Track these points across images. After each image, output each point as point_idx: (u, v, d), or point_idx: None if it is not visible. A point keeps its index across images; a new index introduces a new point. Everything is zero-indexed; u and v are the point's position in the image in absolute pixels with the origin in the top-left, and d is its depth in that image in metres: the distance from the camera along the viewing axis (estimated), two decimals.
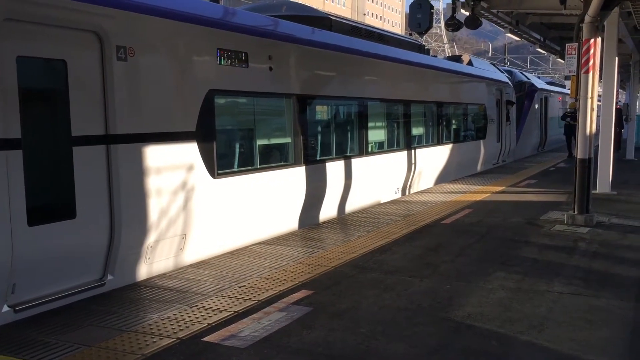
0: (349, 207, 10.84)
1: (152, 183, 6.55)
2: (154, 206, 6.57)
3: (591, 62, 9.23)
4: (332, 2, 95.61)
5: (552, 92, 28.89)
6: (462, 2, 13.12)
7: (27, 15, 5.29)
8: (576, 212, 9.45)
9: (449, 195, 12.52)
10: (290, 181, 9.14)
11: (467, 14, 13.13)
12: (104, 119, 6.02)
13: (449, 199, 12.00)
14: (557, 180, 14.82)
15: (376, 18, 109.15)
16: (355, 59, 11.07)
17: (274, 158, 9.17)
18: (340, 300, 5.74)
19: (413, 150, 13.40)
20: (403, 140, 13.14)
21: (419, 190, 13.70)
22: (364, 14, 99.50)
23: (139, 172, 6.41)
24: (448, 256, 7.43)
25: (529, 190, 13.23)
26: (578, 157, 9.50)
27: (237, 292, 5.98)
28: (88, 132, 5.87)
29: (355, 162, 10.93)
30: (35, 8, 5.35)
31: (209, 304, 5.61)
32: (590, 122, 9.38)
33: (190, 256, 7.17)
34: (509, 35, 17.92)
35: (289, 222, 9.22)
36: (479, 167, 18.15)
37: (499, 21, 15.29)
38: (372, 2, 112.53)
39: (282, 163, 9.17)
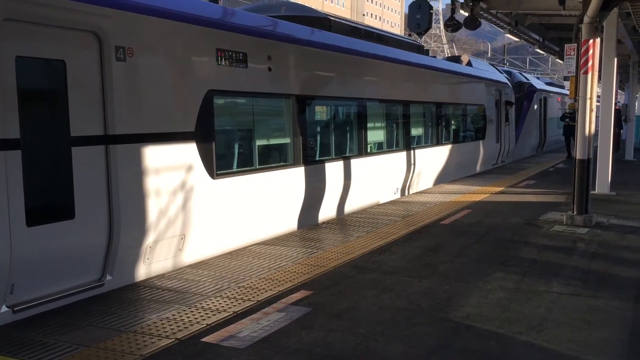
0: (348, 208, 10.84)
1: (151, 183, 6.55)
2: (153, 206, 6.57)
3: (590, 63, 9.24)
4: (332, 2, 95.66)
5: (551, 93, 28.92)
6: (461, 3, 13.13)
7: (27, 15, 5.28)
8: (575, 213, 9.45)
9: (448, 195, 12.52)
10: (290, 181, 9.14)
11: (466, 14, 13.14)
12: (103, 119, 6.02)
13: (448, 199, 12.00)
14: (556, 181, 14.82)
15: (375, 19, 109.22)
16: (355, 59, 11.07)
17: (273, 158, 9.18)
18: (339, 301, 5.74)
19: (412, 151, 13.40)
20: (402, 141, 13.14)
21: (418, 190, 13.70)
22: (363, 15, 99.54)
23: (138, 173, 6.41)
24: (447, 257, 7.43)
25: (528, 191, 13.24)
26: (577, 157, 9.50)
27: (236, 292, 5.98)
28: (87, 133, 5.87)
29: (355, 162, 10.93)
30: (34, 8, 5.35)
31: (207, 305, 5.60)
32: (589, 123, 9.39)
33: (189, 256, 7.17)
34: (508, 35, 17.94)
35: (288, 222, 9.22)
36: (478, 168, 18.15)
37: (498, 22, 15.29)
38: (371, 2, 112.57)
39: (281, 163, 9.17)
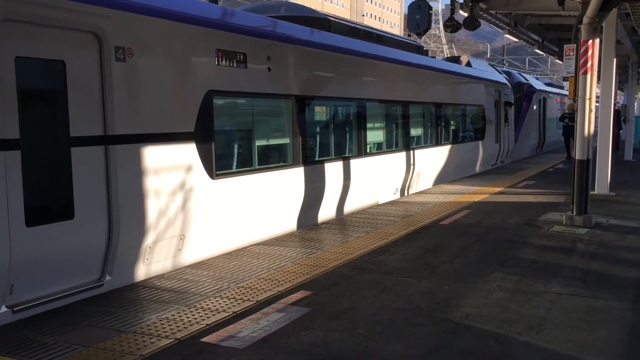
0: (348, 208, 10.85)
1: (151, 184, 6.55)
2: (153, 207, 6.57)
3: (589, 64, 9.24)
4: (331, 3, 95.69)
5: (551, 93, 28.93)
6: (461, 3, 13.13)
7: (26, 15, 5.28)
8: (574, 213, 9.45)
9: (448, 196, 12.53)
10: (289, 182, 9.14)
11: (466, 15, 13.14)
12: (102, 119, 6.02)
13: (448, 199, 12.01)
14: (555, 181, 14.83)
15: (375, 19, 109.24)
16: (354, 59, 11.08)
17: (272, 159, 9.18)
18: (338, 301, 5.74)
19: (412, 151, 13.40)
20: (402, 141, 13.14)
21: (417, 191, 13.71)
22: (363, 15, 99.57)
23: (137, 173, 6.41)
24: (446, 257, 7.44)
25: (527, 191, 13.24)
26: (576, 158, 9.51)
27: (236, 292, 5.98)
28: (86, 133, 5.87)
29: (354, 162, 10.93)
30: (34, 9, 5.35)
31: (207, 305, 5.60)
32: (588, 124, 9.39)
33: (189, 257, 7.17)
34: (508, 36, 17.95)
35: (288, 222, 9.23)
36: (477, 168, 18.16)
37: (497, 22, 15.30)
38: (371, 3, 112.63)
39: (281, 164, 9.18)
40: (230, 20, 8.24)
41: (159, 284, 6.31)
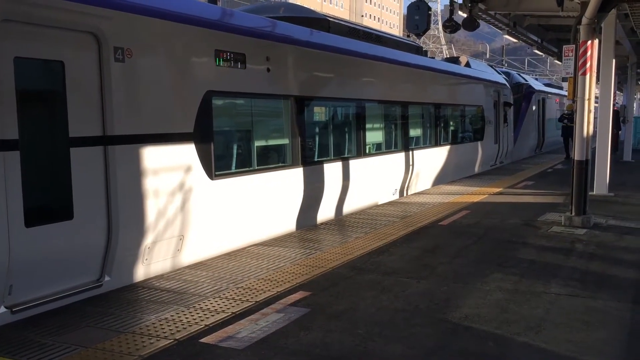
0: (347, 209, 10.85)
1: (150, 184, 6.55)
2: (152, 207, 6.57)
3: (588, 64, 9.25)
4: (330, 3, 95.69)
5: (550, 94, 28.95)
6: (460, 4, 13.14)
7: (25, 16, 5.28)
8: (573, 214, 9.46)
9: (447, 196, 12.53)
10: (288, 182, 9.14)
11: (465, 15, 13.15)
12: (101, 120, 6.01)
13: (447, 200, 12.01)
14: (554, 182, 14.84)
15: (374, 20, 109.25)
16: (353, 60, 11.08)
17: (271, 159, 9.18)
18: (337, 302, 5.74)
19: (411, 152, 13.41)
20: (401, 142, 13.14)
21: (416, 191, 13.71)
22: (362, 16, 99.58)
23: (136, 174, 6.41)
24: (445, 257, 7.44)
25: (526, 192, 13.25)
26: (575, 158, 9.52)
27: (235, 293, 5.98)
28: (85, 133, 5.87)
29: (353, 163, 10.94)
30: (33, 9, 5.35)
31: (206, 305, 5.60)
32: (587, 124, 9.40)
33: (188, 257, 7.17)
34: (507, 37, 17.96)
35: (287, 223, 9.22)
36: (476, 169, 18.17)
37: (496, 23, 15.31)
38: (370, 3, 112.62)
39: (280, 164, 9.18)
40: (229, 21, 8.24)
41: (158, 284, 6.31)
